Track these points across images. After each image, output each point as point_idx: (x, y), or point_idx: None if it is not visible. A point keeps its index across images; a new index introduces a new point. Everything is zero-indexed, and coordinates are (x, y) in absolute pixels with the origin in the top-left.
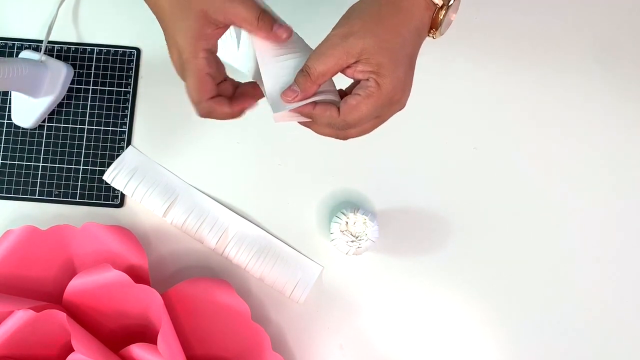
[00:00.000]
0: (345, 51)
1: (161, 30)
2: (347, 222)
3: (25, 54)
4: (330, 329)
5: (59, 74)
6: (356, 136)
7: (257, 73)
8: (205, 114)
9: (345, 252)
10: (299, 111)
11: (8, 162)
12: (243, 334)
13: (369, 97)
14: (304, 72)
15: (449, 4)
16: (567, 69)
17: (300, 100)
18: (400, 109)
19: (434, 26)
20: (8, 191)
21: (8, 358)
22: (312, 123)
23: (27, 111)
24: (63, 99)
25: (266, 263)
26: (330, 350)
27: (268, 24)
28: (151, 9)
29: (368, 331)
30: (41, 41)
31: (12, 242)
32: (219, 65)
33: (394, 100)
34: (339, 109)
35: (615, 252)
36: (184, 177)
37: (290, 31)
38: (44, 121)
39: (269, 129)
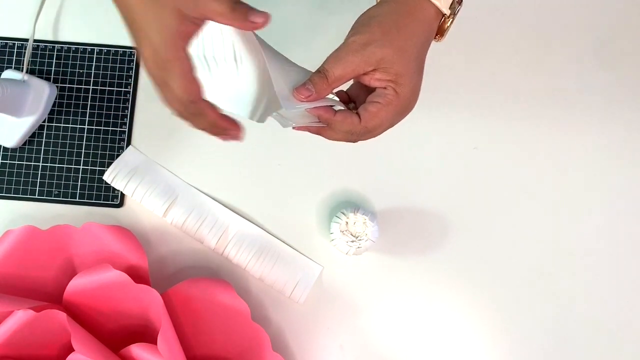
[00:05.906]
0: (365, 59)
1: None
2: (347, 222)
3: (7, 73)
4: (330, 329)
5: (42, 93)
6: (365, 139)
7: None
8: (191, 115)
9: (345, 252)
10: (318, 114)
11: (8, 162)
12: (243, 334)
13: (389, 104)
14: (320, 74)
15: (455, 13)
16: (567, 67)
17: (313, 100)
18: (407, 115)
19: (439, 33)
20: (8, 191)
21: (8, 358)
22: (325, 129)
23: (10, 131)
24: (63, 99)
25: (266, 263)
26: (330, 350)
27: (243, 13)
28: (117, 7)
29: (368, 331)
30: (42, 41)
31: (12, 242)
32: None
33: (409, 107)
34: (358, 115)
35: (616, 252)
36: (184, 177)
37: (266, 16)
38: (44, 121)
39: (269, 129)
